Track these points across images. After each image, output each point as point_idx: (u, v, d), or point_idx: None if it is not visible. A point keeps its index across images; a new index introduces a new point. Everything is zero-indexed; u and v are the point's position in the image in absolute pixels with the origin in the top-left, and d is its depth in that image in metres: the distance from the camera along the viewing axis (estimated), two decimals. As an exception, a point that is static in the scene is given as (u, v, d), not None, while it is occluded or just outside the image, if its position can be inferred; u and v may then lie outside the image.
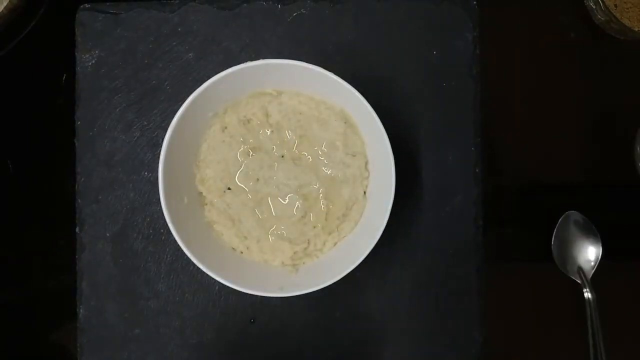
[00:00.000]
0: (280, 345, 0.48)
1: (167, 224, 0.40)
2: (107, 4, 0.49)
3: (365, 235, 0.42)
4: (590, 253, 0.51)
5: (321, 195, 0.44)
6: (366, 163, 0.45)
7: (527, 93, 0.53)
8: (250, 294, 0.42)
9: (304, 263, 0.44)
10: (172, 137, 0.41)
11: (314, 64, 0.41)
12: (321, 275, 0.41)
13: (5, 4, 0.48)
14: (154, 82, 0.49)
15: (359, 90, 0.41)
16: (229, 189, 0.44)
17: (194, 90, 0.41)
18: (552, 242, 0.51)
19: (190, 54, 0.49)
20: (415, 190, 0.48)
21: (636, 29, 0.49)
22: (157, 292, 0.48)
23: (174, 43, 0.49)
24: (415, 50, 0.49)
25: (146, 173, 0.48)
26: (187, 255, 0.40)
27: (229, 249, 0.45)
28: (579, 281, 0.51)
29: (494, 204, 0.50)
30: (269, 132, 0.44)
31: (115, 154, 0.48)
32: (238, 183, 0.44)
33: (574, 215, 0.51)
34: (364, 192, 0.45)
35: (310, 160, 0.45)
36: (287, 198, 0.44)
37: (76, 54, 0.49)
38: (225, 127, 0.44)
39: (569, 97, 0.53)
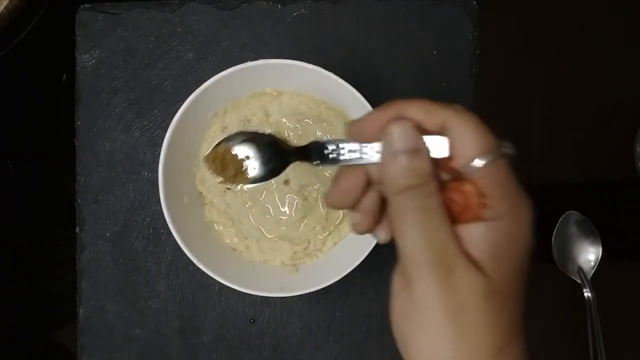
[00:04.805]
0: (280, 345, 0.48)
1: (167, 224, 0.40)
2: (107, 4, 0.49)
3: (366, 235, 0.42)
4: (590, 253, 0.51)
5: (321, 195, 0.44)
6: (366, 163, 0.44)
7: (527, 93, 0.53)
8: (250, 294, 0.42)
9: (304, 263, 0.44)
10: (172, 137, 0.41)
11: (314, 64, 0.41)
12: (321, 275, 0.41)
13: (5, 4, 0.48)
14: (154, 82, 0.49)
15: (359, 91, 0.41)
16: (228, 189, 0.44)
17: (194, 90, 0.41)
18: (552, 242, 0.51)
19: (190, 54, 0.49)
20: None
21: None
22: (157, 292, 0.48)
23: (174, 43, 0.49)
24: (415, 50, 0.49)
25: (146, 173, 0.48)
26: (187, 255, 0.40)
27: (229, 249, 0.45)
28: (579, 281, 0.51)
29: (494, 204, 0.50)
30: (269, 132, 0.44)
31: (115, 154, 0.48)
32: (238, 183, 0.44)
33: (574, 215, 0.51)
34: (364, 192, 0.45)
35: (310, 160, 0.44)
36: (286, 198, 0.44)
37: (76, 54, 0.49)
38: (225, 127, 0.44)
39: (569, 97, 0.53)
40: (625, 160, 0.52)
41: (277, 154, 0.34)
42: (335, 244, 0.45)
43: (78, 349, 0.48)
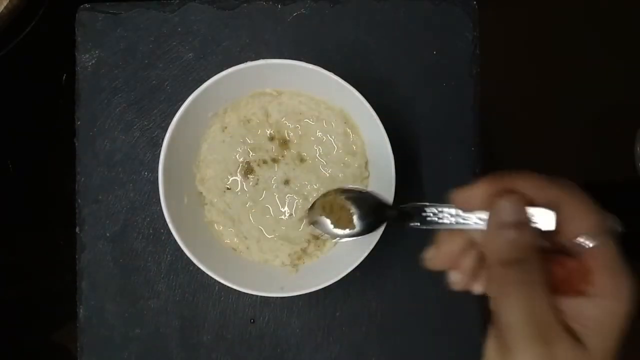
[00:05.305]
0: (280, 345, 0.48)
1: (167, 224, 0.40)
2: (107, 4, 0.49)
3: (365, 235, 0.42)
4: (590, 253, 0.51)
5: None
6: (366, 163, 0.45)
7: (527, 93, 0.53)
8: (250, 294, 0.42)
9: (304, 263, 0.44)
10: (172, 137, 0.41)
11: (314, 64, 0.41)
12: (321, 275, 0.41)
13: (5, 4, 0.48)
14: (154, 82, 0.49)
15: (358, 90, 0.41)
16: (228, 189, 0.44)
17: (194, 90, 0.41)
18: (552, 242, 0.51)
19: (190, 54, 0.49)
20: (415, 190, 0.48)
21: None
22: (157, 292, 0.48)
23: (174, 43, 0.49)
24: (415, 50, 0.49)
25: (146, 173, 0.48)
26: (187, 255, 0.40)
27: (229, 249, 0.45)
28: (579, 281, 0.51)
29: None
30: (269, 132, 0.44)
31: (115, 154, 0.48)
32: (238, 183, 0.44)
33: (574, 215, 0.51)
34: (364, 192, 0.45)
35: (310, 160, 0.45)
36: (286, 198, 0.44)
37: (76, 54, 0.49)
38: (225, 127, 0.44)
39: (569, 97, 0.53)
40: (625, 161, 0.52)
41: (377, 211, 0.36)
42: (335, 244, 0.45)
43: (78, 349, 0.48)
